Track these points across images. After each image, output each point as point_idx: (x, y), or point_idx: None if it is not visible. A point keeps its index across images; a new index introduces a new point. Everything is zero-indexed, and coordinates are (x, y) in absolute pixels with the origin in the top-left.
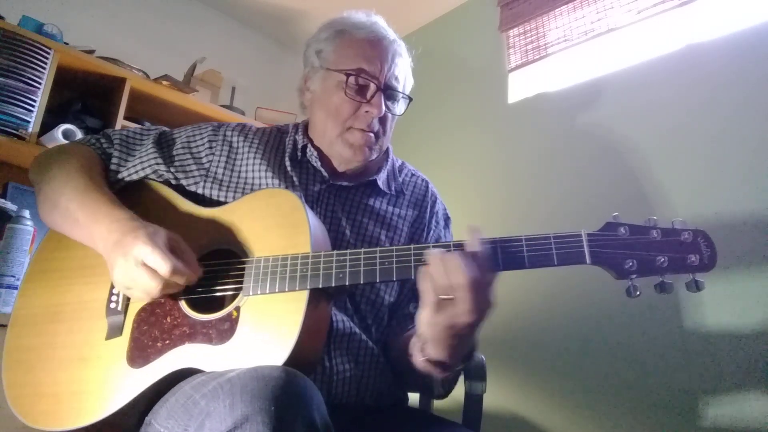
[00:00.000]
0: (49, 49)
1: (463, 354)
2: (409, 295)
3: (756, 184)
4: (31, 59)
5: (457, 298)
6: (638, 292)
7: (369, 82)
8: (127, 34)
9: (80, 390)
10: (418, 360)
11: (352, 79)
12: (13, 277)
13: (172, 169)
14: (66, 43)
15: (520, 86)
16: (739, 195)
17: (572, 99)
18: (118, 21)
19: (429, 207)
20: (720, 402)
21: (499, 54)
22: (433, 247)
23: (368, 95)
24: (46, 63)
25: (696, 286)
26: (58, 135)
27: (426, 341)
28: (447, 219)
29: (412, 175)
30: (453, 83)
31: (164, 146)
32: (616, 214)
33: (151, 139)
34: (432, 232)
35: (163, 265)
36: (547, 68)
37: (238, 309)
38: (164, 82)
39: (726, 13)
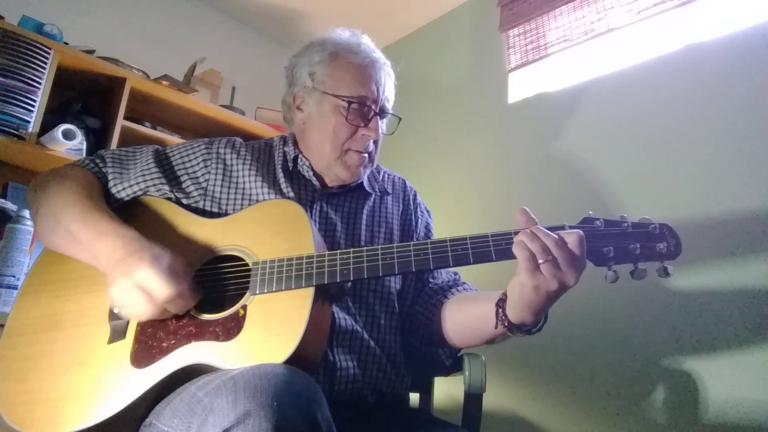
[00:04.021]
0: (49, 49)
1: (539, 318)
2: (415, 278)
3: (757, 183)
4: (31, 59)
5: (549, 260)
6: (616, 278)
7: (366, 108)
8: (127, 34)
9: (80, 393)
10: (487, 317)
11: (354, 105)
12: (13, 277)
13: (176, 192)
14: (66, 43)
15: (520, 86)
16: (740, 194)
17: (572, 99)
18: (118, 21)
19: (411, 199)
20: (718, 400)
21: (499, 54)
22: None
23: (365, 120)
24: (46, 63)
25: (665, 272)
26: (58, 135)
27: (511, 304)
28: (428, 211)
29: (389, 175)
30: (453, 83)
31: (165, 166)
32: (591, 212)
33: (151, 156)
34: (420, 220)
35: (163, 291)
36: (547, 68)
37: (244, 307)
38: (164, 82)
39: (726, 13)
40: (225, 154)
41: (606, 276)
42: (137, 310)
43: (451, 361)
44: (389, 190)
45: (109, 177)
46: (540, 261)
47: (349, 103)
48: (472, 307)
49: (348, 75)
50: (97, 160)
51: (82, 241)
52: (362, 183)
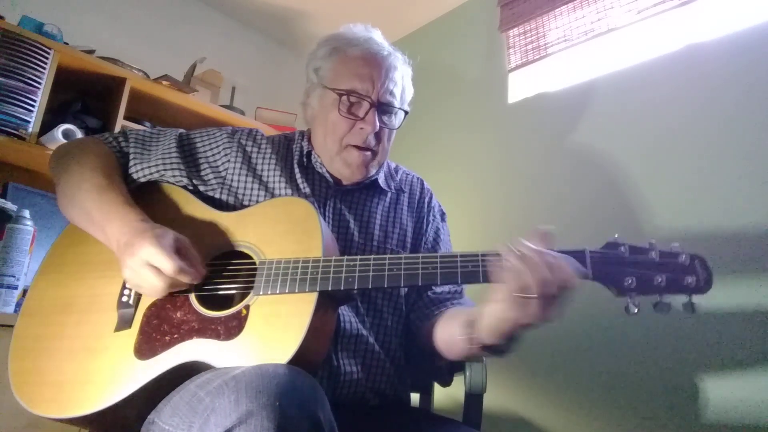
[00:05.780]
0: (49, 49)
1: (513, 343)
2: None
3: (756, 184)
4: (31, 59)
5: (535, 299)
6: (636, 310)
7: (362, 100)
8: (127, 34)
9: (84, 379)
10: (460, 341)
11: (345, 98)
12: (13, 277)
13: (194, 178)
14: (66, 43)
15: (520, 86)
16: (739, 195)
17: (572, 99)
18: (118, 21)
19: (426, 202)
20: (718, 401)
21: (499, 54)
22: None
23: (362, 113)
24: (46, 63)
25: (692, 308)
26: (58, 135)
27: (485, 330)
28: (443, 214)
29: (407, 174)
30: (453, 83)
31: (186, 152)
32: (617, 235)
33: (174, 141)
34: (431, 224)
35: (167, 264)
36: (547, 68)
37: (247, 307)
38: (164, 82)
39: (726, 13)
40: (246, 145)
41: (626, 307)
42: (150, 286)
43: (451, 377)
44: (405, 188)
45: (130, 156)
46: (523, 296)
47: (340, 95)
48: (453, 325)
49: (345, 68)
50: (120, 138)
51: (95, 219)
52: (377, 180)
